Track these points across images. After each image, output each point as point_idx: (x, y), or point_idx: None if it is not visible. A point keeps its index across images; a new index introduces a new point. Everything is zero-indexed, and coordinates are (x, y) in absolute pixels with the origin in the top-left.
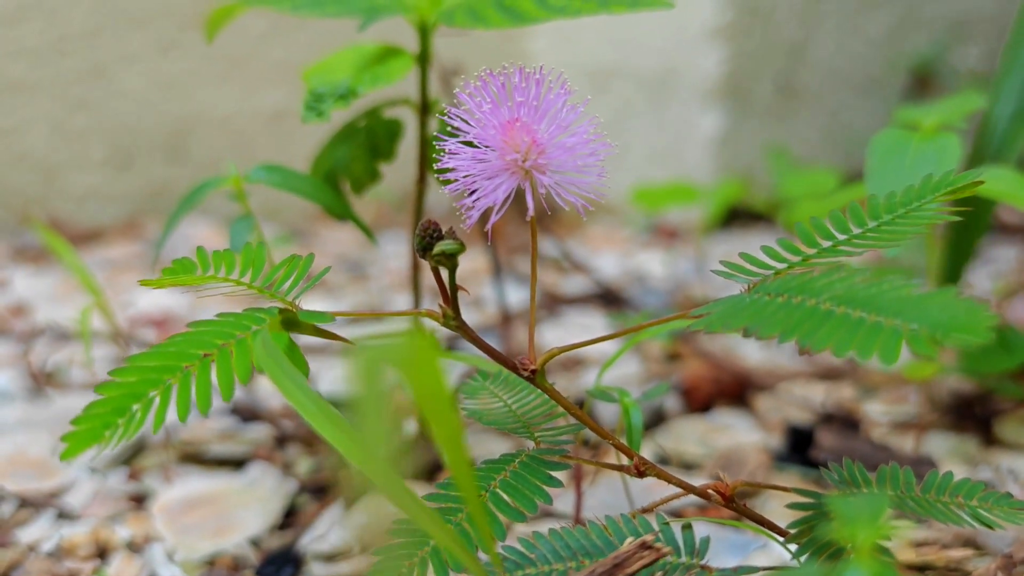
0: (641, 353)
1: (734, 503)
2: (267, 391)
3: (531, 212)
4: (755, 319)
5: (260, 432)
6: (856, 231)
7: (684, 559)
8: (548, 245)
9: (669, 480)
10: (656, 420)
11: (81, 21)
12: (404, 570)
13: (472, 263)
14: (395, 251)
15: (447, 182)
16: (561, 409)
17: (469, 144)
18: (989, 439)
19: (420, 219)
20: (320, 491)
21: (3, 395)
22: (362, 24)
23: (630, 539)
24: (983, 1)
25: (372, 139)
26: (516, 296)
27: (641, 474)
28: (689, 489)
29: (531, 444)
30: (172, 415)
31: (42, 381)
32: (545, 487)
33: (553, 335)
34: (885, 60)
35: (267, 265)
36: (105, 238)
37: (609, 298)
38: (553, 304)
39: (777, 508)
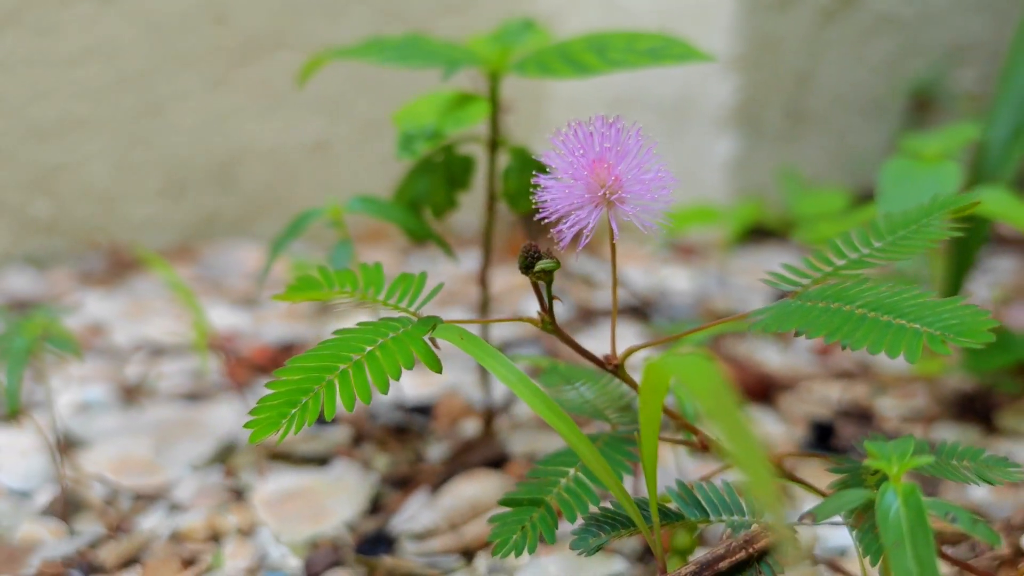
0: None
1: (782, 470)
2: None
3: (616, 236)
4: (804, 322)
5: (339, 433)
6: (877, 244)
7: (749, 518)
8: (576, 264)
9: (720, 450)
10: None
11: (138, 62)
12: (517, 535)
13: (509, 279)
14: (430, 269)
15: (527, 208)
16: (627, 400)
17: (561, 180)
18: (989, 428)
19: (489, 241)
20: (399, 483)
21: (100, 405)
22: (445, 74)
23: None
24: (978, 27)
25: (450, 172)
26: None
27: (705, 448)
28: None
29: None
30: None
31: (134, 393)
32: (627, 461)
33: (590, 344)
34: (887, 85)
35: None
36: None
37: (640, 310)
38: (588, 316)
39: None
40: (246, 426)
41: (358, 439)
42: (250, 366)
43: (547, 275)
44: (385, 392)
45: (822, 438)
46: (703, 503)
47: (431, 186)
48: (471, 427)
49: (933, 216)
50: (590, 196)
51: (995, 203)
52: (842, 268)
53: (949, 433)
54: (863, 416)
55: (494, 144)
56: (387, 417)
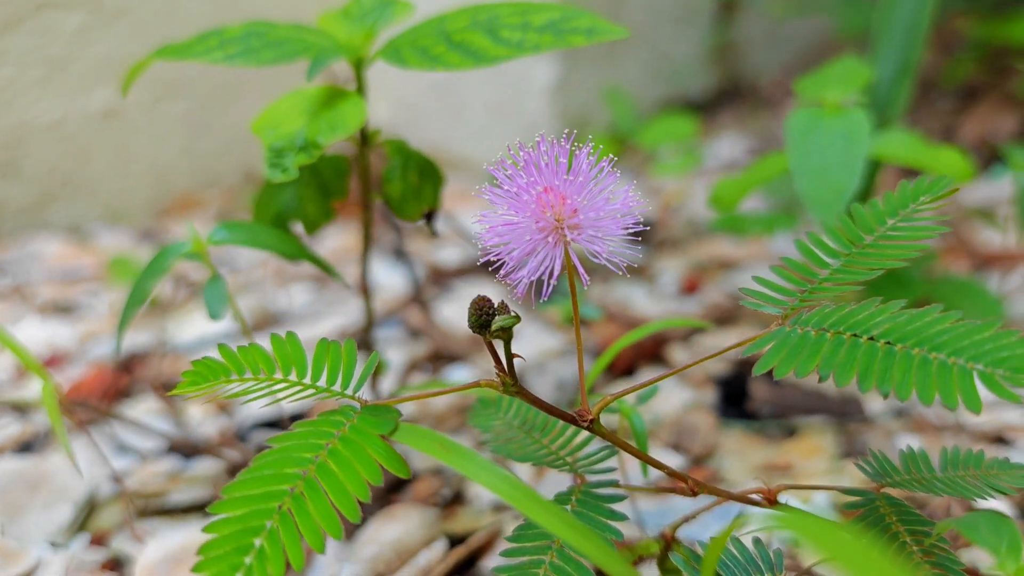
0: (549, 322)
1: (778, 504)
2: (197, 420)
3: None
4: (822, 361)
5: (208, 467)
6: (857, 246)
7: (768, 575)
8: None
9: (719, 494)
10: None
11: None
12: None
13: (341, 240)
14: None
15: (416, 213)
16: (583, 442)
17: (509, 217)
18: None
19: (367, 248)
20: None
21: None
22: (311, 72)
23: None
24: None
25: (320, 179)
26: (394, 276)
27: (695, 494)
28: (734, 497)
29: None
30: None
31: None
32: (610, 521)
33: (450, 311)
34: None
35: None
36: None
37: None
38: (440, 278)
39: (734, 466)
40: None
41: (233, 471)
42: (88, 396)
43: (505, 333)
44: (357, 520)
45: (734, 402)
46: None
47: (300, 196)
48: None
49: (912, 206)
50: (546, 233)
51: (900, 147)
52: (826, 280)
53: None
54: None
55: (365, 139)
56: (260, 438)
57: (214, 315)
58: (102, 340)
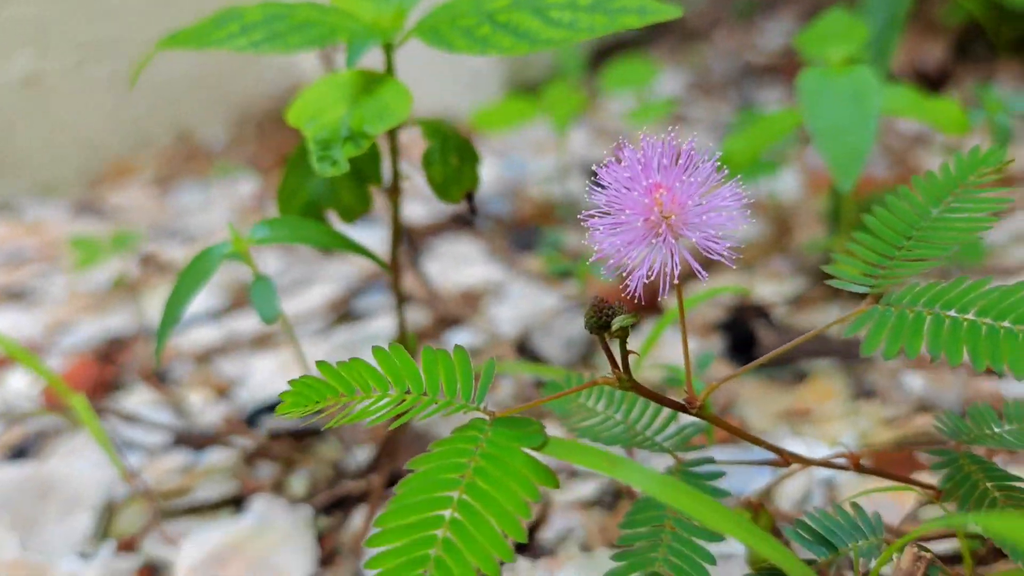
0: (539, 279)
1: (863, 468)
2: (198, 407)
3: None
4: (931, 343)
5: (222, 458)
6: (924, 223)
7: (872, 539)
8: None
9: (807, 463)
10: (591, 348)
11: None
12: None
13: None
14: (195, 201)
15: (458, 197)
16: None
17: (617, 218)
18: None
19: (397, 226)
20: (332, 509)
21: None
22: (349, 60)
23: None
24: None
25: (354, 164)
26: (366, 235)
27: (788, 464)
28: (822, 464)
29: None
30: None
31: None
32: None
33: (433, 269)
34: None
35: None
36: None
37: (463, 219)
38: (416, 238)
39: (755, 414)
40: None
41: (249, 459)
42: (77, 392)
43: (624, 331)
44: (523, 539)
45: (742, 348)
46: (825, 536)
47: (333, 184)
48: None
49: (971, 176)
50: (657, 232)
51: (901, 101)
52: (904, 256)
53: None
54: (758, 311)
55: None
56: (268, 422)
57: (266, 319)
58: (72, 329)
